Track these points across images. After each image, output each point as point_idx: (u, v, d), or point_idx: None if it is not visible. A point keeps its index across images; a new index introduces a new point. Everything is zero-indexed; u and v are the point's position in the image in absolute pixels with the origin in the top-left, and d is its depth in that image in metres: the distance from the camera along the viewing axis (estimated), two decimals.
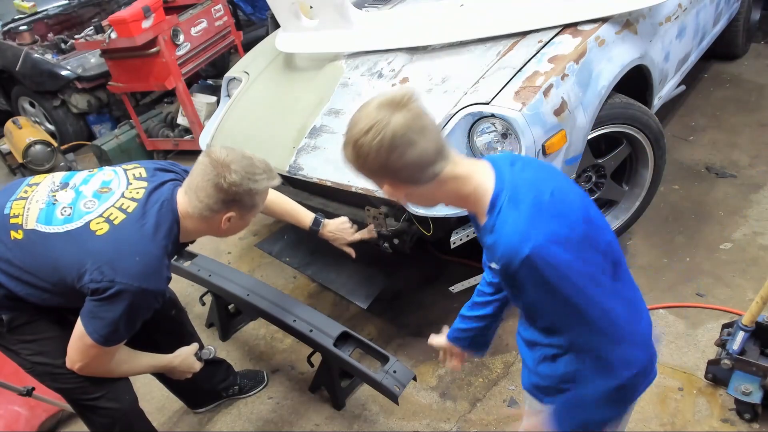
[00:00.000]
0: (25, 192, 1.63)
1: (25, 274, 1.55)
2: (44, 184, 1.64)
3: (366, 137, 1.00)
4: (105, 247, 1.48)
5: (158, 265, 1.52)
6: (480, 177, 1.09)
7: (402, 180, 1.05)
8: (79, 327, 1.53)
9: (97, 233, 1.49)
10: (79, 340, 1.54)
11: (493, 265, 1.08)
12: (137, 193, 1.58)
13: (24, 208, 1.58)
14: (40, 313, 1.64)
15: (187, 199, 1.58)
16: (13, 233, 1.55)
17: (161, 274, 1.54)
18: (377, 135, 0.99)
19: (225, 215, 1.57)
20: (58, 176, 1.67)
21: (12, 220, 1.56)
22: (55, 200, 1.57)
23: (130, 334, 1.58)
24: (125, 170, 1.66)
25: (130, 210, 1.53)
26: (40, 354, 1.66)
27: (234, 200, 1.54)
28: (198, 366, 1.93)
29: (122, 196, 1.57)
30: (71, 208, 1.55)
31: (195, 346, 1.94)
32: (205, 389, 2.30)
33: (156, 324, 2.03)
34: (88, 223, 1.51)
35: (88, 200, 1.56)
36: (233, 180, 1.50)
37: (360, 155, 1.03)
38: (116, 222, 1.51)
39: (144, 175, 1.65)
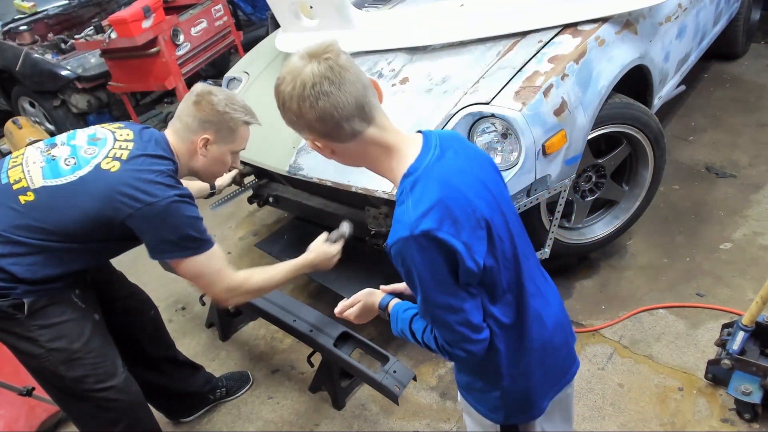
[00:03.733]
0: (15, 161, 1.65)
1: (50, 235, 1.56)
2: (30, 150, 1.67)
3: (282, 85, 1.01)
4: (126, 179, 1.55)
5: (174, 180, 1.63)
6: (403, 153, 1.08)
7: (320, 133, 1.04)
8: (184, 267, 1.64)
9: (111, 170, 1.57)
10: (194, 274, 1.67)
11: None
12: (127, 135, 1.67)
13: (23, 171, 1.60)
14: (57, 295, 1.65)
15: (173, 131, 1.71)
16: (22, 197, 1.56)
17: (180, 184, 1.65)
18: (290, 83, 1.00)
19: (200, 138, 1.66)
20: (41, 142, 1.72)
21: (16, 186, 1.58)
22: (53, 156, 1.61)
23: (207, 235, 1.67)
24: (102, 126, 1.74)
25: (130, 147, 1.63)
26: (59, 338, 1.66)
27: (210, 121, 1.65)
28: (336, 248, 1.94)
29: (115, 140, 1.65)
30: (74, 158, 1.60)
31: (324, 234, 1.98)
32: (188, 392, 2.29)
33: (138, 324, 2.08)
34: (98, 165, 1.58)
35: (86, 148, 1.62)
36: (211, 100, 1.64)
37: (279, 104, 1.04)
38: (124, 157, 1.59)
39: (122, 125, 1.73)
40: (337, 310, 1.38)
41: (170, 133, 1.72)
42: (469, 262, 1.02)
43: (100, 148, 1.62)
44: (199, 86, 1.69)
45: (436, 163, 1.06)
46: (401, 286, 1.37)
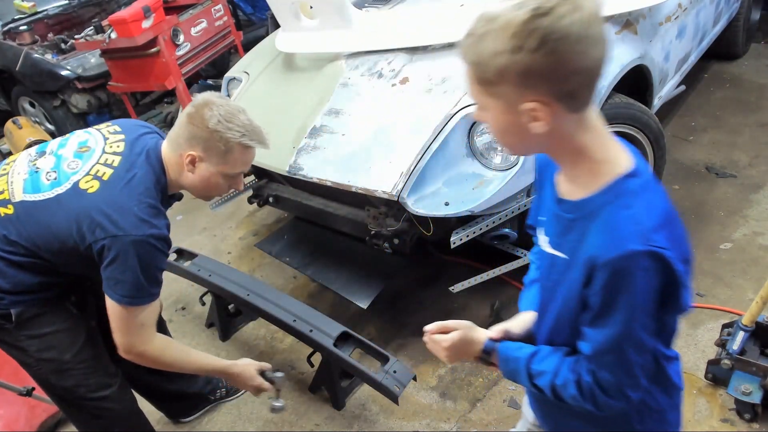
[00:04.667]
0: (4, 169, 1.61)
1: (24, 250, 1.52)
2: (21, 157, 1.63)
3: (553, 16, 0.76)
4: (100, 204, 1.45)
5: (155, 212, 1.50)
6: (615, 147, 0.91)
7: (557, 93, 0.82)
8: (110, 306, 1.51)
9: (88, 191, 1.47)
10: (116, 317, 1.53)
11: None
12: (117, 147, 1.56)
13: (7, 183, 1.56)
14: (47, 304, 1.63)
15: (168, 141, 1.58)
16: (2, 210, 1.53)
17: (160, 219, 1.52)
18: (569, 14, 0.76)
19: (188, 152, 1.52)
20: (34, 148, 1.66)
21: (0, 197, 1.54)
22: (37, 168, 1.55)
23: (156, 288, 1.55)
24: (98, 129, 1.66)
25: (115, 164, 1.51)
26: (48, 349, 1.64)
27: (199, 137, 1.50)
28: (263, 385, 1.82)
29: (103, 151, 1.54)
30: (56, 171, 1.52)
31: (262, 364, 1.86)
32: (189, 394, 2.28)
33: None
34: (76, 183, 1.49)
35: (70, 161, 1.54)
36: (203, 114, 1.48)
37: (532, 37, 0.77)
38: (105, 177, 1.49)
39: (119, 129, 1.63)
40: (429, 327, 1.12)
41: (165, 143, 1.60)
42: (684, 297, 0.89)
43: (84, 162, 1.53)
44: (202, 96, 1.55)
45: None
46: (508, 326, 1.16)
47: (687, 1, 2.73)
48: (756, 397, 1.84)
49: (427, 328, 1.11)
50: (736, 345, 1.87)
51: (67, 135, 1.67)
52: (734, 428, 1.91)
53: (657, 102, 2.75)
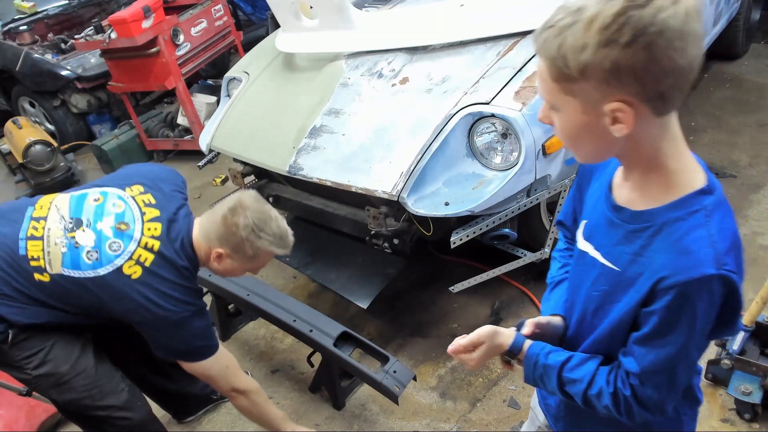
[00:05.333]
0: (35, 229, 1.61)
1: (54, 307, 1.60)
2: (53, 219, 1.62)
3: (646, 9, 0.70)
4: (145, 289, 1.57)
5: (192, 292, 1.66)
6: (689, 158, 0.85)
7: (647, 94, 0.75)
8: (194, 368, 1.73)
9: (132, 277, 1.56)
10: (196, 372, 1.75)
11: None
12: (155, 230, 1.63)
13: (43, 251, 1.58)
14: (44, 325, 1.64)
15: (199, 228, 1.68)
16: (37, 276, 1.57)
17: (197, 296, 1.69)
18: (666, 8, 0.71)
19: (215, 251, 1.64)
20: (64, 207, 1.65)
21: (33, 263, 1.57)
22: (77, 243, 1.58)
23: (214, 340, 1.74)
24: (132, 197, 1.67)
25: (156, 249, 1.60)
26: (44, 364, 1.64)
27: (229, 240, 1.61)
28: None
29: (142, 234, 1.61)
30: (97, 252, 1.58)
31: None
32: (192, 394, 2.28)
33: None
34: (120, 268, 1.57)
35: (112, 242, 1.59)
36: (236, 221, 1.59)
37: (617, 32, 0.72)
38: (147, 264, 1.58)
39: (152, 201, 1.68)
40: (451, 348, 1.06)
41: (197, 227, 1.69)
42: (739, 320, 0.86)
43: (126, 244, 1.59)
44: (237, 198, 1.63)
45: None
46: (545, 320, 1.10)
47: None
48: (756, 397, 1.84)
49: (452, 349, 1.06)
50: (736, 345, 1.87)
51: (99, 196, 1.67)
52: (734, 428, 1.91)
53: None
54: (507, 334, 1.04)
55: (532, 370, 1.02)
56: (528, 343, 1.03)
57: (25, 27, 5.15)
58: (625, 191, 0.90)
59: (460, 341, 1.04)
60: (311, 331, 2.14)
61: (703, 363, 2.05)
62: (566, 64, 0.75)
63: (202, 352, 1.70)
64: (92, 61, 4.74)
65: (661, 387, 0.88)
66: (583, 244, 0.99)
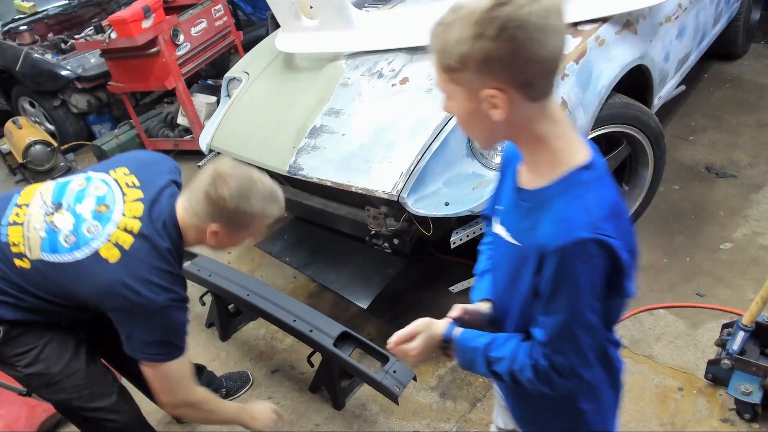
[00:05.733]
0: (17, 215, 1.57)
1: (38, 298, 1.55)
2: (35, 204, 1.58)
3: (510, 6, 0.80)
4: (121, 275, 1.47)
5: (174, 278, 1.54)
6: (573, 139, 0.94)
7: (516, 82, 0.85)
8: (147, 369, 1.58)
9: (110, 260, 1.48)
10: (155, 377, 1.60)
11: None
12: (137, 209, 1.54)
13: (23, 236, 1.53)
14: (35, 322, 1.62)
15: (183, 207, 1.56)
16: (17, 261, 1.53)
17: (179, 283, 1.56)
18: (527, 5, 0.81)
19: (210, 228, 1.53)
20: (47, 192, 1.60)
21: (13, 249, 1.53)
22: (55, 227, 1.52)
23: (183, 339, 1.61)
24: (116, 179, 1.60)
25: (135, 231, 1.51)
26: (36, 363, 1.62)
27: (220, 215, 1.50)
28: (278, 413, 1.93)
29: (123, 214, 1.52)
30: (75, 235, 1.50)
31: (273, 407, 1.94)
32: None
33: None
34: (97, 251, 1.49)
35: (90, 224, 1.51)
36: (222, 193, 1.47)
37: (490, 27, 0.81)
38: (126, 247, 1.49)
39: (137, 183, 1.59)
40: (391, 342, 1.14)
41: (180, 208, 1.57)
42: (627, 285, 0.93)
43: (104, 225, 1.51)
44: (214, 170, 1.50)
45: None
46: (474, 306, 1.17)
47: (687, 2, 2.73)
48: (756, 397, 1.84)
49: (390, 342, 1.14)
50: (736, 345, 1.87)
51: (82, 181, 1.61)
52: (734, 428, 1.91)
53: (657, 102, 2.75)
54: (441, 324, 1.11)
55: (464, 355, 1.08)
56: (459, 330, 1.10)
57: (25, 27, 5.15)
58: (524, 174, 1.00)
59: (399, 333, 1.11)
60: (311, 331, 2.14)
61: (703, 363, 2.06)
62: (449, 56, 0.85)
63: (172, 352, 1.56)
64: (92, 61, 4.74)
65: (567, 352, 0.95)
66: (497, 229, 1.08)
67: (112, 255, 1.48)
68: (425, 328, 1.11)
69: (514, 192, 1.02)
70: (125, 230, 1.50)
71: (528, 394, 1.09)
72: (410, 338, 1.11)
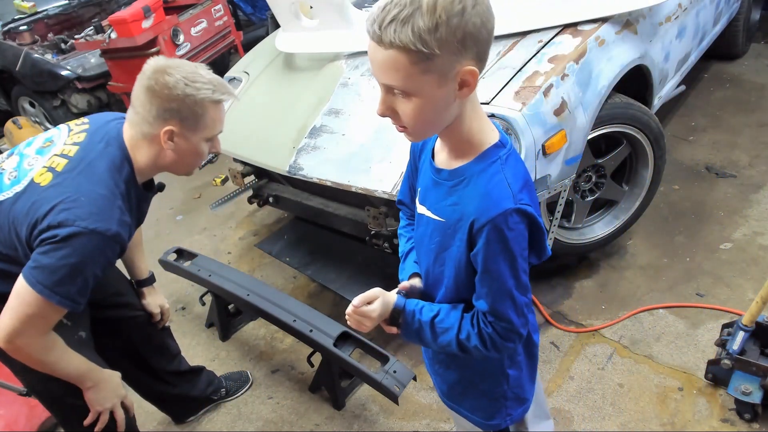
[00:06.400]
0: None
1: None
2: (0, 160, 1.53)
3: None
4: (50, 196, 1.34)
5: (108, 206, 1.36)
6: (486, 119, 1.03)
7: (480, 56, 0.90)
8: (18, 284, 1.34)
9: (41, 184, 1.37)
10: (16, 298, 1.35)
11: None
12: (78, 137, 1.45)
13: None
14: None
15: (130, 123, 1.44)
16: None
17: (113, 215, 1.36)
18: None
19: (162, 131, 1.39)
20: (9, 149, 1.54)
21: None
22: (2, 169, 1.48)
23: (78, 292, 1.36)
24: (69, 123, 1.55)
25: (72, 154, 1.40)
26: None
27: (170, 109, 1.37)
28: (126, 400, 1.69)
29: (63, 144, 1.44)
30: (16, 171, 1.43)
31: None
32: (193, 397, 2.28)
33: (143, 341, 2.01)
34: (32, 179, 1.39)
35: (30, 158, 1.44)
36: (165, 82, 1.34)
37: (459, 6, 0.85)
38: (59, 168, 1.38)
39: (87, 121, 1.53)
40: (356, 301, 1.13)
41: (127, 128, 1.45)
42: (546, 242, 1.05)
43: (43, 156, 1.43)
44: (151, 65, 1.38)
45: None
46: (408, 283, 1.22)
47: (687, 1, 2.73)
48: (756, 397, 1.84)
49: (352, 305, 1.13)
50: (736, 345, 1.87)
51: (44, 132, 1.57)
52: (734, 428, 1.91)
53: (657, 102, 2.75)
54: (391, 294, 1.16)
55: (411, 326, 1.13)
56: (409, 301, 1.15)
57: (25, 27, 5.15)
58: (443, 155, 1.07)
59: (358, 297, 1.13)
60: (311, 331, 2.14)
61: (703, 363, 2.06)
62: (425, 45, 0.85)
63: (57, 294, 1.32)
64: (92, 61, 4.73)
65: (509, 313, 1.03)
66: (419, 208, 1.14)
67: (45, 179, 1.38)
68: (381, 294, 1.14)
69: (432, 172, 1.08)
70: (61, 155, 1.41)
71: (458, 360, 1.22)
72: (369, 302, 1.13)
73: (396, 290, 1.19)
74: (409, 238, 1.31)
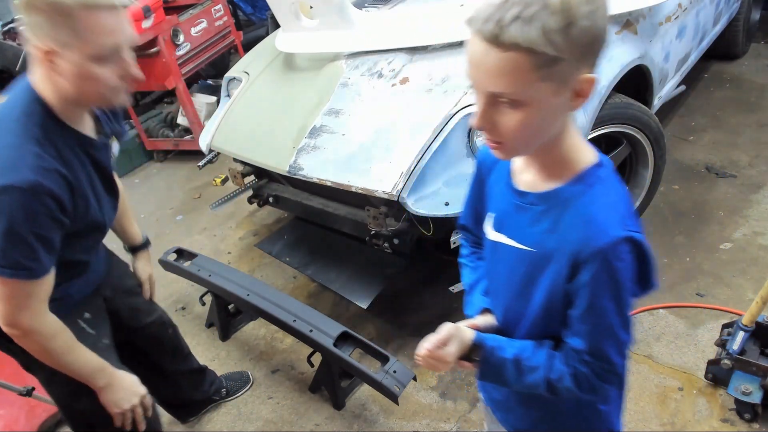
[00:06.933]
0: None
1: None
2: None
3: None
4: None
5: (16, 154, 1.20)
6: (578, 132, 0.91)
7: (595, 64, 0.82)
8: None
9: None
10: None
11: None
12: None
13: None
14: (62, 316, 1.48)
15: (31, 60, 1.26)
16: None
17: (24, 163, 1.20)
18: None
19: (41, 51, 1.19)
20: None
21: None
22: None
23: (27, 257, 1.23)
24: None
25: None
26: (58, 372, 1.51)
27: (40, 23, 1.17)
28: (145, 400, 1.60)
29: None
30: None
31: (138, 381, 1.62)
32: (195, 398, 2.28)
33: (158, 347, 2.00)
34: None
35: None
36: None
37: (594, 3, 0.76)
38: None
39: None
40: (424, 349, 0.98)
41: (31, 67, 1.28)
42: (654, 273, 0.92)
43: None
44: None
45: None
46: (481, 321, 1.10)
47: (687, 1, 2.73)
48: (756, 397, 1.84)
49: (426, 349, 0.99)
50: (736, 345, 1.87)
51: None
52: (734, 428, 1.91)
53: (657, 102, 2.75)
54: (468, 329, 1.02)
55: (491, 364, 1.01)
56: (487, 336, 1.02)
57: None
58: (528, 176, 0.95)
59: (431, 340, 0.98)
60: (311, 331, 2.14)
61: (703, 363, 2.06)
62: (554, 47, 0.75)
63: (11, 268, 1.22)
64: None
65: (611, 353, 0.91)
66: (493, 236, 1.03)
67: None
68: (456, 332, 1.00)
69: (513, 196, 0.96)
70: None
71: (541, 398, 1.03)
72: (444, 344, 0.99)
73: (467, 324, 1.07)
74: (474, 267, 1.19)
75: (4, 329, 1.32)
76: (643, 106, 2.44)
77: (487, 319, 1.10)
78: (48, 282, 1.31)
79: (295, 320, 2.19)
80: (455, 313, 2.60)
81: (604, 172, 0.89)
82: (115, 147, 1.46)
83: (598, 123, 2.24)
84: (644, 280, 0.91)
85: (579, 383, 0.95)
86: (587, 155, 0.90)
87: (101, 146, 1.43)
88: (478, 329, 1.05)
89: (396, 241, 2.25)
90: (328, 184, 2.24)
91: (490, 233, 1.03)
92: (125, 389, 1.55)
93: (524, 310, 1.00)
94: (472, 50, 0.79)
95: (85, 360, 1.46)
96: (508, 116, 0.81)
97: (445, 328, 0.99)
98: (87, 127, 1.39)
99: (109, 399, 1.52)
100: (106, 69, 1.23)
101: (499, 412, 1.21)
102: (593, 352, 0.92)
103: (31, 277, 1.25)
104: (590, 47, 0.78)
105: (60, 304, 1.46)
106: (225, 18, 4.58)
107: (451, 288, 2.30)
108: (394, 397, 1.94)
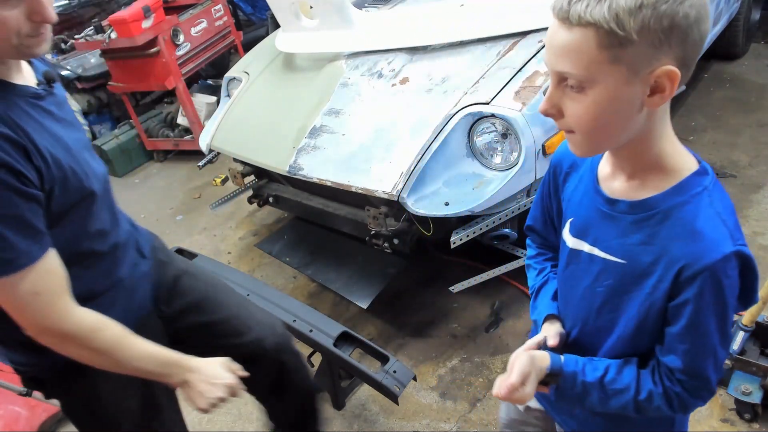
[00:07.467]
0: None
1: None
2: None
3: None
4: None
5: None
6: (677, 139, 0.85)
7: (684, 61, 0.75)
8: None
9: None
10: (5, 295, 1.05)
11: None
12: None
13: None
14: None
15: None
16: None
17: None
18: None
19: None
20: None
21: None
22: None
23: (20, 246, 1.01)
24: None
25: None
26: (90, 421, 1.38)
27: None
28: (234, 389, 1.33)
29: None
30: None
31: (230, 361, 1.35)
32: None
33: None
34: None
35: None
36: None
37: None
38: None
39: None
40: (502, 392, 0.91)
41: None
42: (758, 288, 0.86)
43: None
44: None
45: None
46: (551, 332, 1.04)
47: None
48: (756, 397, 1.84)
49: (506, 391, 0.91)
50: (736, 345, 1.87)
51: None
52: (734, 428, 1.91)
53: None
54: (542, 356, 0.95)
55: (572, 390, 0.95)
56: (563, 360, 0.96)
57: None
58: (618, 182, 0.89)
59: (511, 381, 0.91)
60: (311, 331, 2.14)
61: None
62: (621, 26, 0.70)
63: None
64: (92, 61, 4.73)
65: (708, 371, 0.87)
66: (574, 242, 0.97)
67: None
68: (531, 365, 0.93)
69: (601, 202, 0.90)
70: None
71: (617, 416, 0.98)
72: (521, 382, 0.92)
73: (537, 339, 1.01)
74: (540, 270, 1.15)
75: (40, 341, 1.12)
76: None
77: (555, 328, 1.05)
78: (48, 270, 1.07)
79: (295, 320, 2.19)
80: (455, 313, 2.61)
81: (708, 181, 0.82)
82: (60, 90, 1.19)
83: None
84: (746, 295, 0.86)
85: (670, 402, 0.90)
86: (687, 162, 0.84)
87: (47, 95, 1.16)
88: (555, 343, 1.01)
89: (396, 241, 2.25)
90: (328, 184, 2.24)
91: (570, 239, 0.98)
92: (208, 381, 1.28)
93: (609, 324, 0.95)
94: (549, 32, 0.77)
95: (147, 352, 1.21)
96: (575, 102, 0.78)
97: (518, 366, 0.92)
98: (26, 79, 1.15)
99: (188, 396, 1.28)
100: (9, 10, 0.98)
101: (559, 415, 1.16)
102: (689, 371, 0.87)
103: (14, 270, 1.01)
104: (668, 35, 0.71)
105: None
106: (225, 18, 4.58)
107: (451, 288, 2.30)
108: (394, 397, 1.94)
